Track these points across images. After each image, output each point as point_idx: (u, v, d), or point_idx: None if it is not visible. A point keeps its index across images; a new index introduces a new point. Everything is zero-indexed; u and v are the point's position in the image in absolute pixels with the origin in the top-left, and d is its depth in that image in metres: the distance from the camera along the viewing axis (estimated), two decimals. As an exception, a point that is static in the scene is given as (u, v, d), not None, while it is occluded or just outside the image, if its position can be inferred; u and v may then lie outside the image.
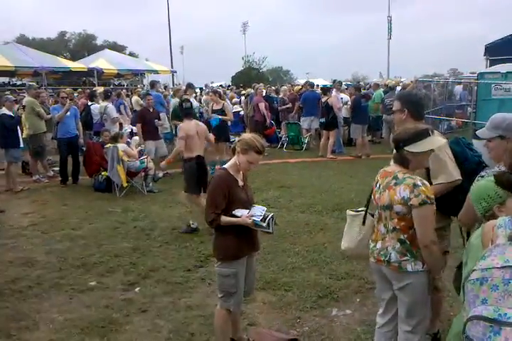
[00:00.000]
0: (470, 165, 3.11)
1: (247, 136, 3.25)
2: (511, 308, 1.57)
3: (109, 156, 8.30)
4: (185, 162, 6.21)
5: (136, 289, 4.63)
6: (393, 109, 3.39)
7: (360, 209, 3.11)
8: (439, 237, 3.08)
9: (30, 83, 14.88)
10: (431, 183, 3.08)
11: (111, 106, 10.08)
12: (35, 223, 6.86)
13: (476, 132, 2.97)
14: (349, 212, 3.13)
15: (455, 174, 3.09)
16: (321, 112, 12.08)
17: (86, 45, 55.87)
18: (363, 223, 3.01)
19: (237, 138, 3.32)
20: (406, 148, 2.72)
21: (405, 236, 2.76)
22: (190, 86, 12.91)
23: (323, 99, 11.96)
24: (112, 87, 26.46)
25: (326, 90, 12.63)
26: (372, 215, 3.02)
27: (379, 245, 2.88)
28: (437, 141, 2.80)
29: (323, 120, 11.99)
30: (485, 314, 1.61)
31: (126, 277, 4.90)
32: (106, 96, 10.63)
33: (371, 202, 3.05)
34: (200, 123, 6.80)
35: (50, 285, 4.75)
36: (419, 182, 2.67)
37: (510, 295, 1.59)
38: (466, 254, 2.46)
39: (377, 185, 2.91)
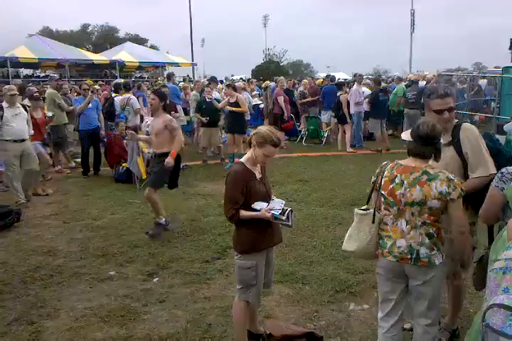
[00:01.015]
0: (503, 159, 3.07)
1: (262, 128, 3.22)
2: None
3: (129, 148, 8.38)
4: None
5: (155, 279, 4.68)
6: (451, 105, 3.17)
7: (364, 207, 2.97)
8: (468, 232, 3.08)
9: (52, 75, 15.04)
10: (467, 177, 3.05)
11: (134, 98, 10.13)
12: (57, 213, 6.99)
13: (504, 126, 2.94)
14: (359, 212, 2.96)
15: (492, 168, 3.05)
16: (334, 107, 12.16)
17: (108, 38, 56.35)
18: (373, 221, 2.89)
19: (252, 131, 3.30)
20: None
21: (434, 229, 2.77)
22: (213, 79, 12.94)
23: (338, 94, 11.98)
24: (133, 79, 26.65)
25: (340, 85, 12.57)
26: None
27: (400, 243, 2.80)
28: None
29: (333, 115, 12.16)
30: (506, 302, 1.60)
31: (145, 267, 4.96)
32: (126, 88, 10.69)
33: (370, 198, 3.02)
34: None
35: (71, 274, 4.84)
36: (451, 177, 2.71)
37: None
38: (493, 250, 2.42)
39: (395, 181, 2.80)
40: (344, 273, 4.68)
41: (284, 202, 3.23)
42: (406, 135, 2.90)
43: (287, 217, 3.11)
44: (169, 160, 5.73)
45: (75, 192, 8.24)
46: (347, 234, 3.03)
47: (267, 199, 3.21)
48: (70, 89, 14.07)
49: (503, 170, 2.70)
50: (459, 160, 3.12)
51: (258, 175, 3.26)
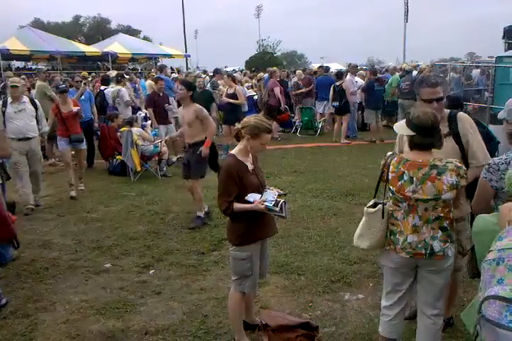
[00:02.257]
0: (494, 146, 3.08)
1: (250, 120, 3.18)
2: None
3: (124, 140, 8.34)
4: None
5: (151, 271, 4.69)
6: (440, 95, 3.15)
7: (371, 202, 2.93)
8: (467, 221, 3.13)
9: (40, 67, 14.87)
10: (467, 166, 3.02)
11: (123, 90, 10.07)
12: (51, 206, 6.97)
13: (498, 114, 2.92)
14: (369, 210, 2.88)
15: (489, 156, 3.06)
16: (333, 96, 11.99)
17: (100, 29, 55.94)
18: (383, 216, 2.84)
19: (237, 125, 3.24)
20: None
21: (447, 222, 2.76)
22: (217, 71, 12.90)
23: (337, 83, 11.86)
24: (125, 71, 26.46)
25: (340, 74, 12.50)
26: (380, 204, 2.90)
27: (412, 238, 2.76)
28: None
29: (336, 104, 11.91)
30: (501, 293, 1.61)
31: (141, 259, 4.97)
32: (117, 80, 10.63)
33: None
34: None
35: (66, 266, 4.84)
36: (458, 163, 2.70)
37: None
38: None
39: (403, 178, 2.73)
40: (339, 263, 4.70)
41: (277, 192, 3.19)
42: (400, 128, 2.82)
43: (281, 209, 3.09)
44: (205, 151, 5.62)
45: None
46: (357, 232, 2.98)
47: (260, 190, 3.20)
48: (63, 81, 13.97)
49: (490, 161, 2.71)
50: (458, 150, 3.09)
51: (250, 167, 3.25)
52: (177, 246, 5.30)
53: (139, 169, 8.33)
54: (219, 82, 12.13)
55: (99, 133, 9.62)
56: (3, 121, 6.47)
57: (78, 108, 7.37)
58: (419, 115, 2.71)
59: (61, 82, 10.13)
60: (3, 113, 6.49)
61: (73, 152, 7.75)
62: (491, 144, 3.13)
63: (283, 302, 4.02)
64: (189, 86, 6.01)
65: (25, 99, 6.80)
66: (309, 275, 4.47)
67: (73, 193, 7.25)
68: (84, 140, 7.71)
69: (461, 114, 3.20)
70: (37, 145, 6.87)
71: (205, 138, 5.75)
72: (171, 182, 8.21)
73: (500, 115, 2.84)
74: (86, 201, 7.12)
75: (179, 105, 11.71)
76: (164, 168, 8.74)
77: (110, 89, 10.71)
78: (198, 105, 5.95)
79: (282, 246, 5.15)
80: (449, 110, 3.26)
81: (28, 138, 6.62)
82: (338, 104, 11.79)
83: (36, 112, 6.81)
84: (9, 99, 6.61)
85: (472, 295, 3.79)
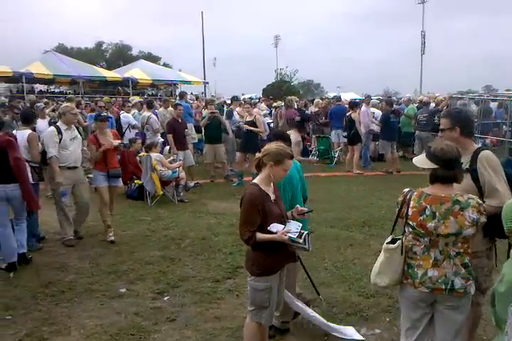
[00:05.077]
0: None
1: (271, 147, 3.24)
2: None
3: (144, 165, 8.48)
4: None
5: (165, 298, 4.68)
6: (442, 127, 3.32)
7: (389, 239, 2.91)
8: (486, 257, 3.09)
9: (70, 96, 15.17)
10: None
11: (153, 117, 10.27)
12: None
13: None
14: (389, 246, 2.86)
15: (507, 198, 3.03)
16: (344, 126, 12.19)
17: (122, 55, 57.32)
18: (402, 253, 2.83)
19: (258, 154, 3.31)
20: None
21: (468, 258, 2.75)
22: (235, 98, 13.11)
23: (348, 114, 12.02)
24: (146, 96, 26.96)
25: (353, 104, 12.66)
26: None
27: (432, 273, 2.74)
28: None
29: (345, 134, 12.13)
30: None
31: (156, 285, 4.96)
32: (149, 106, 10.83)
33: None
34: None
35: (82, 290, 4.85)
36: (479, 200, 2.71)
37: None
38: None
39: (425, 212, 2.72)
40: (355, 296, 4.64)
41: (301, 224, 3.22)
42: (421, 162, 2.81)
43: (304, 240, 3.09)
44: None
45: (87, 207, 8.28)
46: (376, 270, 2.96)
47: (281, 220, 3.21)
48: (85, 106, 14.30)
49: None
50: (475, 188, 3.08)
51: (272, 196, 3.28)
52: (192, 272, 5.30)
53: (160, 192, 8.43)
54: (237, 109, 12.30)
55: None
56: (58, 150, 6.12)
57: (120, 141, 6.92)
58: (442, 147, 2.72)
59: (42, 104, 10.11)
60: (60, 140, 6.14)
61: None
62: None
63: (298, 335, 3.97)
64: None
65: (74, 126, 6.57)
66: (324, 307, 4.42)
67: (111, 237, 6.44)
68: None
69: (484, 153, 3.17)
70: (83, 175, 6.63)
71: None
72: (187, 208, 8.25)
73: None
74: (103, 224, 7.17)
75: (197, 131, 11.97)
76: (181, 193, 8.80)
77: (126, 115, 10.89)
78: None
79: (298, 277, 5.10)
80: (477, 146, 3.29)
81: (76, 167, 6.37)
82: (346, 133, 11.96)
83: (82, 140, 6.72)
84: (62, 126, 6.26)
85: (491, 333, 3.71)
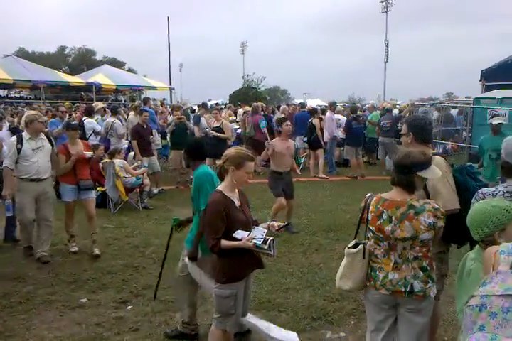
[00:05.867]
0: (469, 196, 3.13)
1: (230, 151, 3.23)
2: (509, 337, 1.57)
3: (107, 172, 8.31)
4: None
5: (128, 307, 4.58)
6: (401, 132, 3.49)
7: (352, 243, 2.96)
8: (439, 261, 3.14)
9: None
10: None
11: (118, 123, 10.08)
12: (28, 237, 6.78)
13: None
14: (351, 250, 2.91)
15: (453, 203, 3.12)
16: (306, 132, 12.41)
17: (85, 60, 56.38)
18: (364, 257, 2.87)
19: (218, 162, 3.29)
20: (419, 173, 2.75)
21: (427, 262, 2.79)
22: (203, 105, 13.03)
23: (310, 120, 12.27)
24: (109, 102, 26.54)
25: (314, 111, 12.92)
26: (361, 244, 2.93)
27: (392, 276, 2.79)
28: (438, 170, 2.84)
29: (305, 139, 12.36)
30: None
31: (119, 294, 4.85)
32: (113, 112, 10.66)
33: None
34: None
35: (41, 301, 4.70)
36: (436, 205, 2.75)
37: (509, 324, 1.58)
38: (458, 278, 2.49)
39: (382, 217, 2.79)
40: (321, 300, 4.66)
41: (265, 230, 3.19)
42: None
43: (269, 246, 3.07)
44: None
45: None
46: (339, 274, 3.00)
47: (247, 227, 3.18)
48: (46, 111, 13.96)
49: (479, 190, 2.94)
50: (423, 193, 3.14)
51: (237, 203, 3.25)
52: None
53: (125, 198, 8.28)
54: (205, 116, 12.23)
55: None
56: (15, 161, 5.64)
57: (92, 153, 6.35)
58: (403, 153, 2.83)
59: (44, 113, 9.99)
60: (19, 151, 5.63)
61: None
62: (465, 194, 3.18)
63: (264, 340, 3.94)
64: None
65: (42, 135, 5.96)
66: (290, 312, 4.41)
67: (74, 248, 6.15)
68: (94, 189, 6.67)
69: (435, 158, 3.19)
70: (50, 187, 6.04)
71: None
72: (152, 215, 8.12)
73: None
74: (64, 233, 6.96)
75: (163, 137, 11.84)
76: (145, 200, 8.67)
77: (90, 120, 10.66)
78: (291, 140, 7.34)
79: (263, 282, 5.08)
80: (431, 152, 3.36)
81: (42, 180, 5.80)
82: (307, 139, 12.21)
83: (52, 150, 6.01)
84: (26, 135, 5.76)
85: (452, 334, 3.78)
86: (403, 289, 2.76)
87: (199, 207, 3.67)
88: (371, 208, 2.85)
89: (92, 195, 6.41)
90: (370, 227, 2.85)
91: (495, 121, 7.32)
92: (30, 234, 6.03)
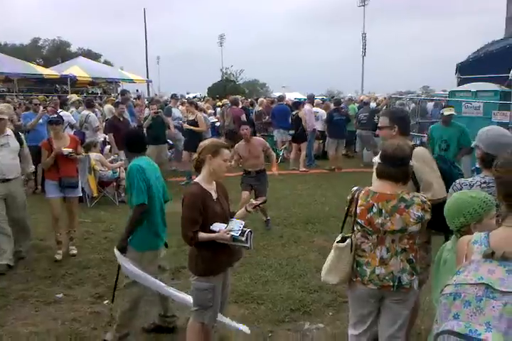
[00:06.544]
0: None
1: (204, 143, 3.24)
2: (482, 325, 1.59)
3: (80, 166, 8.14)
4: None
5: (105, 301, 4.52)
6: (380, 125, 3.46)
7: (339, 237, 2.96)
8: (423, 250, 3.18)
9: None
10: None
11: (93, 115, 9.91)
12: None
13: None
14: (339, 245, 2.91)
15: (439, 192, 3.15)
16: (291, 125, 12.29)
17: (60, 52, 55.23)
18: (351, 250, 2.88)
19: (194, 155, 3.29)
20: (412, 164, 2.82)
21: (413, 254, 2.82)
22: (173, 96, 12.93)
23: (294, 112, 12.15)
24: (85, 94, 26.09)
25: (297, 104, 12.86)
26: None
27: (380, 270, 2.80)
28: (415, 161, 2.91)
29: (292, 132, 12.20)
30: (456, 329, 1.63)
31: (95, 289, 4.80)
32: (88, 105, 10.48)
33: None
34: None
35: (16, 297, 4.62)
36: (423, 198, 2.78)
37: (482, 312, 1.61)
38: (435, 267, 2.52)
39: (372, 210, 2.78)
40: (299, 292, 4.68)
41: (243, 222, 3.17)
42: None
43: (246, 238, 3.05)
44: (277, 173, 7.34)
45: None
46: (326, 268, 3.00)
47: (224, 219, 3.17)
48: (19, 104, 13.66)
49: (456, 181, 2.93)
50: (411, 182, 3.15)
51: (215, 195, 3.23)
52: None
53: (95, 194, 8.14)
54: (180, 108, 12.13)
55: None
56: None
57: (70, 150, 5.79)
58: (392, 145, 2.86)
59: (17, 105, 9.80)
60: None
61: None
62: (450, 182, 3.23)
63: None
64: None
65: (9, 131, 5.61)
66: (269, 304, 4.43)
67: (59, 256, 5.74)
68: (80, 186, 6.25)
69: (419, 149, 3.28)
70: (19, 188, 5.73)
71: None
72: (128, 209, 8.01)
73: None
74: (39, 227, 6.84)
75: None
76: (122, 194, 8.56)
77: (65, 113, 10.49)
78: (261, 139, 7.45)
79: (242, 275, 5.09)
80: (412, 143, 3.40)
81: (8, 180, 5.45)
82: (294, 132, 12.07)
83: (21, 148, 5.71)
84: None
85: (428, 324, 3.83)
86: (391, 283, 2.78)
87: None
88: (360, 201, 2.83)
89: (77, 193, 6.13)
90: (359, 220, 2.84)
91: (446, 112, 7.09)
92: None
